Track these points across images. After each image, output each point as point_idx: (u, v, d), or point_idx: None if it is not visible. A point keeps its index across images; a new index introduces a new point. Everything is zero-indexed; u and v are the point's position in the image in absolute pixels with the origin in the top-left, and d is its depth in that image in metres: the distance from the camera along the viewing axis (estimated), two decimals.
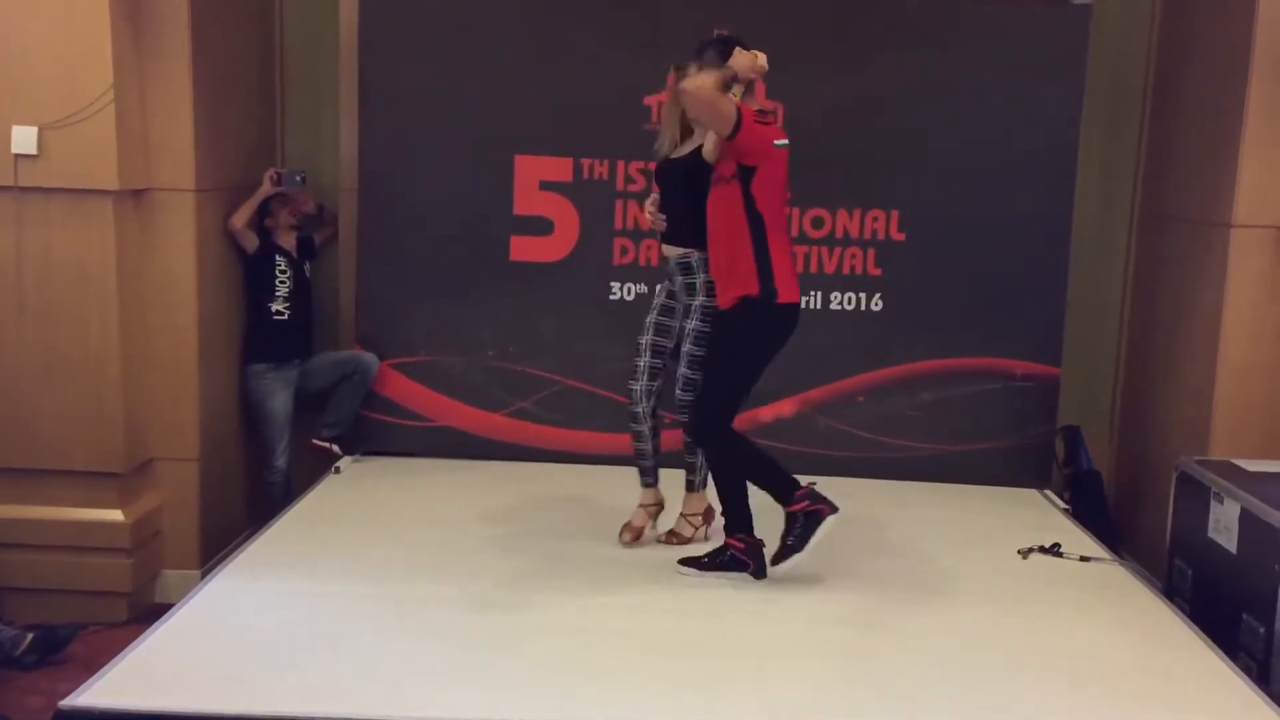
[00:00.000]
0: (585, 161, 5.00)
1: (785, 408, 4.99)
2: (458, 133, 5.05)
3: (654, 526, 4.25)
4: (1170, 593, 4.25)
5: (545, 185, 5.05)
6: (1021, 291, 5.02)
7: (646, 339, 4.13)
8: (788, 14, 4.93)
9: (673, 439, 4.22)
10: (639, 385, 4.11)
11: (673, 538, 4.20)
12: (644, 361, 4.12)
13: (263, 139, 5.31)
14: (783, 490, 3.82)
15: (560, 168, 5.04)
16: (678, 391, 4.01)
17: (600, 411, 5.05)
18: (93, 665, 3.40)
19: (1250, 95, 4.46)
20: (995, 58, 4.93)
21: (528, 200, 5.07)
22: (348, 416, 5.09)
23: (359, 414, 5.12)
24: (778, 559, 3.80)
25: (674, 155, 4.03)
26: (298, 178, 5.03)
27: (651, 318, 4.14)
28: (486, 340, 5.14)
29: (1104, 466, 5.45)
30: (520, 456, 5.13)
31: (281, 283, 5.01)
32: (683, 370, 3.99)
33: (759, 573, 3.86)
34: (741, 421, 5.00)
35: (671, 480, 4.25)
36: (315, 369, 5.10)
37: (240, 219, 4.88)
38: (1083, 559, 4.19)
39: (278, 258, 5.02)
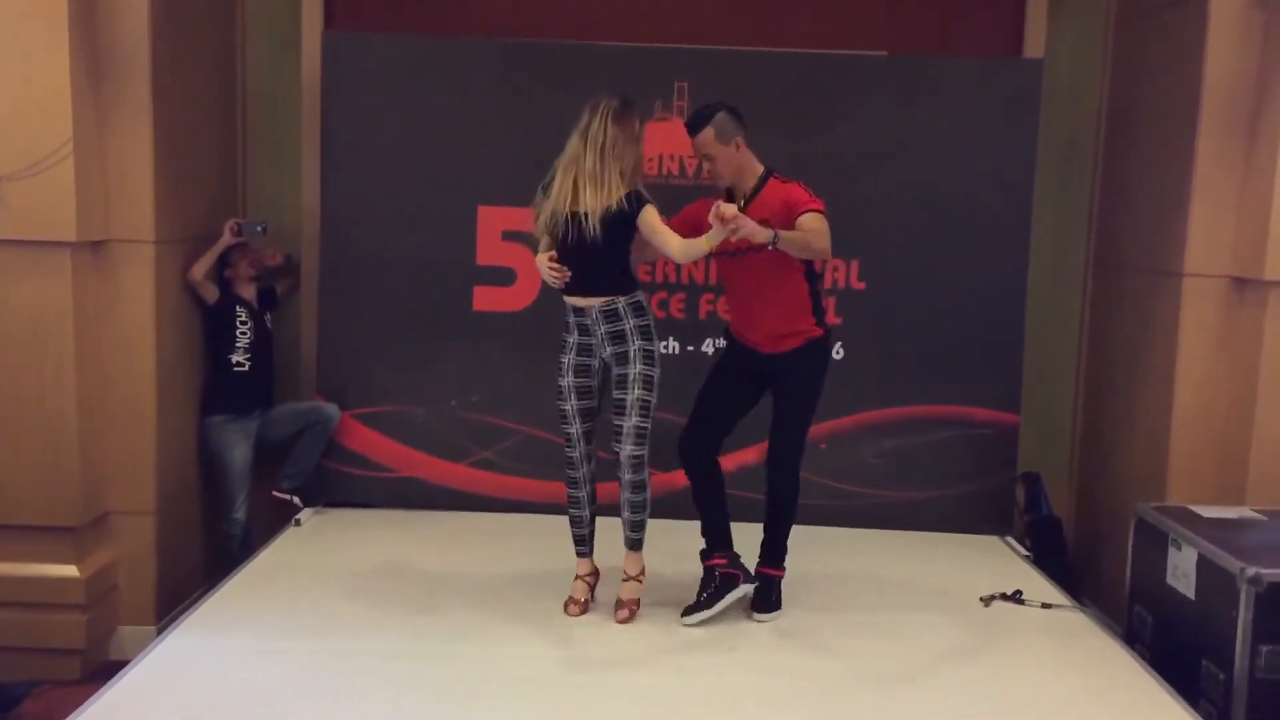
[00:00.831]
0: None
1: (748, 456, 5.00)
2: (420, 183, 5.07)
3: (593, 597, 4.10)
4: (1130, 639, 4.28)
5: (508, 235, 5.07)
6: (980, 339, 5.08)
7: (571, 405, 3.98)
8: (749, 68, 5.00)
9: (607, 494, 4.11)
10: (577, 452, 4.01)
11: (630, 608, 3.99)
12: (576, 429, 4.01)
13: (224, 189, 5.30)
14: (721, 539, 4.06)
15: (523, 218, 5.01)
16: (630, 447, 3.88)
17: (562, 460, 5.02)
18: None
19: (1199, 146, 4.57)
20: (950, 109, 5.02)
21: (490, 250, 5.08)
22: (309, 467, 5.05)
23: (320, 465, 5.08)
24: (690, 611, 3.96)
25: (580, 208, 3.82)
26: (259, 228, 5.01)
27: (569, 380, 3.98)
28: (449, 390, 5.12)
29: (1064, 512, 5.49)
30: (484, 507, 5.10)
31: (242, 334, 4.98)
32: (634, 423, 3.88)
33: (749, 578, 4.05)
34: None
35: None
36: (276, 420, 5.06)
37: (199, 270, 4.86)
38: (1044, 605, 4.22)
39: (238, 309, 4.99)
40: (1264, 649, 3.60)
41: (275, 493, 4.99)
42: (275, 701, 3.26)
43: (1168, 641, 4.09)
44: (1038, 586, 4.41)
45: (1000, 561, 4.78)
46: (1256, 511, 4.28)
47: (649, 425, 3.92)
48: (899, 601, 4.24)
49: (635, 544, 4.05)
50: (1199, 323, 4.64)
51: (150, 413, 4.60)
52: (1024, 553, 4.93)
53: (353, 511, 5.08)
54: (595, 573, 4.15)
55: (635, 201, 3.82)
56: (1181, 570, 4.00)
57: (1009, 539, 5.07)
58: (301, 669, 3.48)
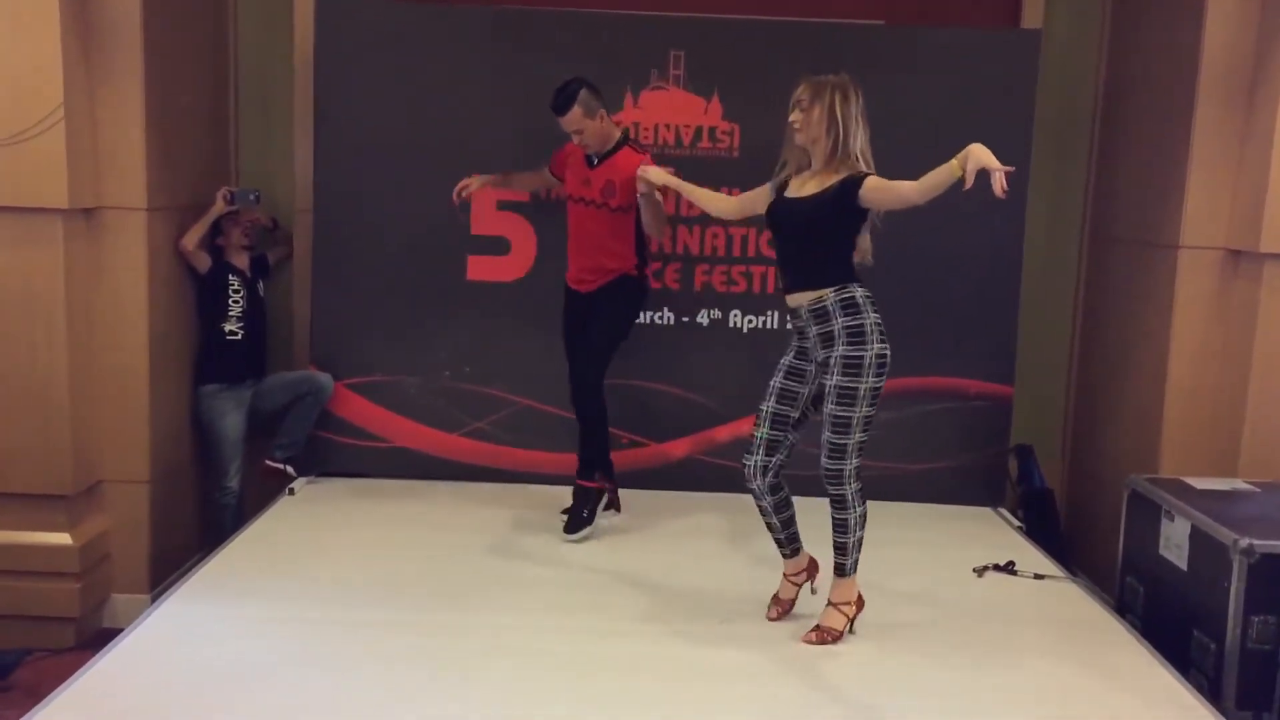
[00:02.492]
0: None
1: (743, 428, 5.00)
2: (414, 152, 5.03)
3: (813, 590, 3.84)
4: (1122, 609, 4.30)
5: (503, 205, 5.05)
6: (975, 312, 5.07)
7: (768, 407, 3.67)
8: (744, 38, 4.97)
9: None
10: (753, 461, 3.67)
11: (824, 635, 3.61)
12: (762, 434, 3.66)
13: (216, 158, 5.26)
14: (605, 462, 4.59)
15: None
16: (824, 460, 3.58)
17: (557, 431, 5.04)
18: (38, 693, 3.33)
19: (1197, 118, 4.55)
20: (946, 80, 4.99)
21: (485, 220, 5.06)
22: (301, 438, 5.04)
23: (313, 435, 5.07)
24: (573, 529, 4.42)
25: (792, 194, 3.68)
26: (251, 196, 4.98)
27: (777, 381, 3.67)
28: (443, 360, 5.11)
29: (1056, 485, 5.51)
30: (477, 477, 5.10)
31: (235, 302, 4.96)
32: (827, 436, 3.56)
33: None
34: (699, 442, 5.10)
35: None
36: (269, 389, 5.05)
37: (191, 240, 4.83)
38: (1036, 576, 4.23)
39: (230, 277, 4.97)
40: (1255, 620, 3.62)
41: (268, 462, 4.98)
42: (268, 670, 3.26)
43: (1159, 612, 4.11)
44: (1030, 557, 4.43)
45: (993, 533, 4.79)
46: (1249, 483, 4.30)
47: (845, 444, 3.55)
48: (892, 572, 4.24)
49: (839, 569, 3.67)
50: (1194, 295, 4.63)
51: (143, 381, 4.59)
52: (1017, 524, 4.95)
53: (346, 481, 5.08)
54: (804, 570, 3.82)
55: None
56: (1174, 541, 4.01)
57: (1002, 510, 5.09)
58: (294, 638, 3.48)
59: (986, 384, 5.10)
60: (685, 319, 5.08)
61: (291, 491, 4.90)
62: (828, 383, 3.53)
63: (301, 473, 5.04)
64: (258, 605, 3.71)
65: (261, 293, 5.13)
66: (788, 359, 3.68)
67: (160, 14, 4.55)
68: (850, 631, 3.64)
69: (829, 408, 3.53)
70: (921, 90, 4.97)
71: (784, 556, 3.81)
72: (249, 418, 5.01)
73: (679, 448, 5.11)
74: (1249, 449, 4.48)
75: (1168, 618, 4.02)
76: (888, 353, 3.56)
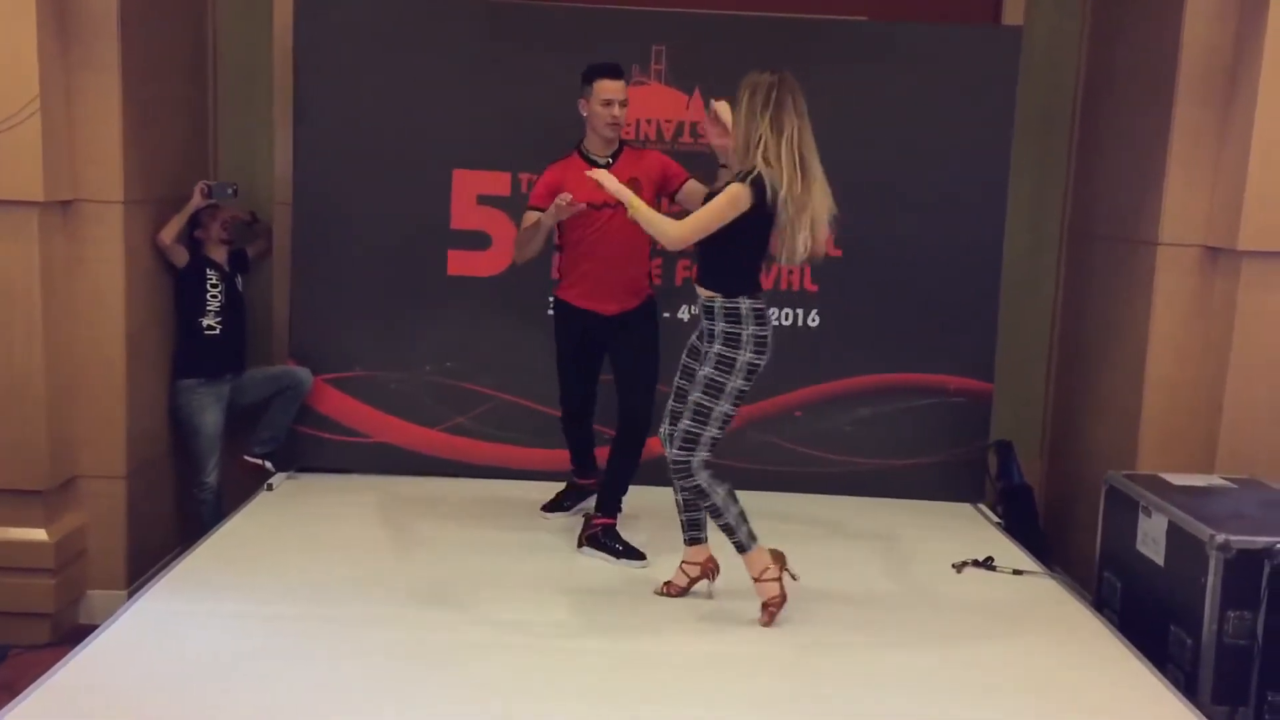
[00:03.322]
0: (523, 176, 4.98)
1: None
2: (394, 147, 5.01)
3: (704, 590, 3.93)
4: (1100, 605, 4.32)
5: (483, 200, 5.03)
6: (955, 308, 5.09)
7: (675, 381, 3.86)
8: (728, 32, 4.96)
9: None
10: (663, 430, 3.84)
11: (769, 610, 3.70)
12: (669, 405, 3.85)
13: (195, 151, 5.23)
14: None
15: (498, 182, 5.02)
16: (675, 452, 3.70)
17: (537, 426, 5.03)
18: (14, 689, 3.31)
19: (1176, 116, 4.57)
20: (928, 76, 5.00)
21: (465, 214, 5.05)
22: (281, 433, 5.01)
23: (292, 430, 5.05)
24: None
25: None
26: (229, 190, 4.95)
27: (683, 358, 3.86)
28: (423, 355, 5.09)
29: (1035, 481, 5.53)
30: (457, 472, 5.09)
31: (213, 297, 4.93)
32: (684, 425, 3.68)
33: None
34: None
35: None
36: (248, 384, 5.02)
37: (169, 234, 4.79)
38: (1015, 572, 4.25)
39: (208, 271, 4.94)
40: (1231, 615, 3.64)
41: (247, 457, 4.96)
42: (246, 666, 3.25)
43: (1137, 607, 4.13)
44: (1009, 553, 4.44)
45: (972, 528, 4.81)
46: (1227, 479, 4.32)
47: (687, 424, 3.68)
48: (872, 567, 4.27)
49: (737, 549, 3.74)
50: (1173, 292, 4.66)
51: (120, 376, 4.55)
52: (996, 520, 4.97)
53: (325, 477, 5.06)
54: (699, 565, 3.90)
55: None
56: (1151, 537, 4.03)
57: (981, 506, 5.11)
58: (272, 634, 3.46)
59: (966, 380, 5.12)
60: (666, 314, 5.08)
61: (270, 487, 4.87)
62: (699, 371, 3.69)
63: (280, 468, 5.01)
64: (235, 601, 3.69)
65: (240, 287, 5.10)
66: (693, 338, 3.85)
67: (138, 5, 4.51)
68: (793, 579, 3.72)
69: (694, 395, 3.67)
70: (903, 86, 4.99)
71: (684, 541, 3.91)
72: (227, 413, 4.98)
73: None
74: (1226, 445, 4.50)
75: (1145, 613, 4.04)
76: (760, 364, 3.67)
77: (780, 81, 3.59)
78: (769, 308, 3.82)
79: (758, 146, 3.56)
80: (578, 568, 4.13)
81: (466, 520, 4.59)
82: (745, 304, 3.65)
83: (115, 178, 4.46)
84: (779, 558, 3.77)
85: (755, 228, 3.61)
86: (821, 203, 3.61)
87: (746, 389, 3.68)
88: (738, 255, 3.67)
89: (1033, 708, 3.22)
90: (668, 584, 3.93)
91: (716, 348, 3.66)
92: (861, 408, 5.12)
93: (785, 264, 3.70)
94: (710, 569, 3.90)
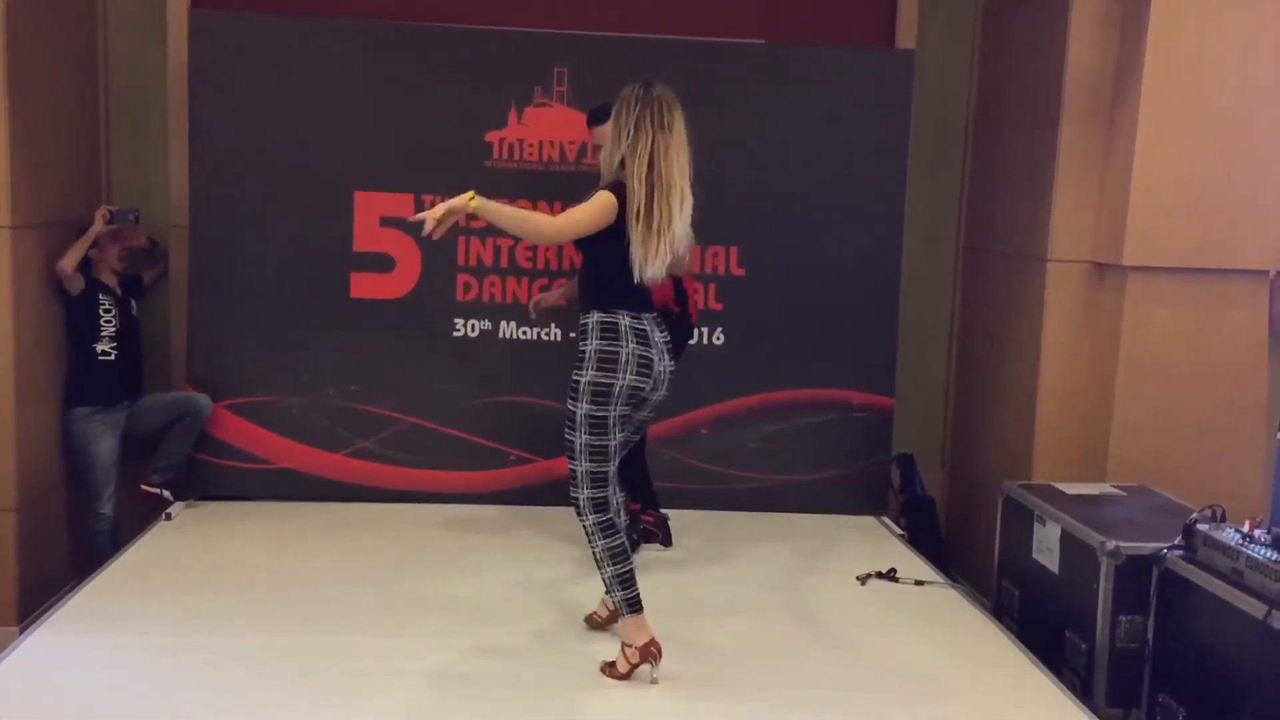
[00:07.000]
0: (426, 198, 4.94)
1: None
2: (294, 169, 4.95)
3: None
4: (999, 612, 4.42)
5: (386, 221, 4.99)
6: (856, 325, 5.17)
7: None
8: (628, 54, 5.00)
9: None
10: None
11: (610, 670, 3.45)
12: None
13: (87, 175, 5.10)
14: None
15: (401, 204, 4.98)
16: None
17: (445, 450, 5.00)
18: None
19: (1061, 137, 4.73)
20: (825, 97, 5.09)
21: (368, 237, 5.00)
22: (179, 460, 4.90)
23: (191, 457, 4.94)
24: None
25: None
26: (130, 216, 4.84)
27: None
28: (326, 379, 5.02)
29: (937, 493, 5.65)
30: (363, 497, 5.02)
31: (107, 322, 4.81)
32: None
33: (667, 541, 4.54)
34: None
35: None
36: (144, 411, 4.90)
37: (70, 262, 4.67)
38: (918, 583, 4.33)
39: (101, 296, 4.82)
40: (1123, 619, 3.76)
41: (144, 487, 4.84)
42: (142, 701, 3.16)
43: (1033, 614, 4.23)
44: (912, 564, 4.52)
45: (876, 541, 4.88)
46: (1117, 488, 4.46)
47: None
48: (777, 581, 4.30)
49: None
50: (1063, 306, 4.80)
51: (8, 405, 4.42)
52: (899, 532, 5.05)
53: (226, 505, 4.95)
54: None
55: None
56: (1046, 545, 4.14)
57: (885, 519, 5.19)
58: (171, 666, 3.38)
59: (869, 395, 5.20)
60: (572, 334, 5.09)
61: (169, 516, 4.76)
62: (567, 404, 3.40)
63: (179, 497, 4.90)
64: (132, 634, 3.60)
65: (134, 312, 4.98)
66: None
67: (25, 24, 4.40)
68: (652, 681, 3.35)
69: (565, 430, 3.41)
70: (800, 107, 5.07)
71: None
72: (124, 441, 4.85)
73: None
74: (1116, 454, 4.65)
75: (1042, 619, 4.15)
76: (643, 388, 3.40)
77: (644, 96, 3.43)
78: (659, 328, 3.50)
79: (619, 160, 3.41)
80: (484, 594, 4.09)
81: (370, 546, 4.53)
82: (625, 320, 3.38)
83: (2, 202, 4.34)
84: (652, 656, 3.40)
85: (625, 240, 3.38)
86: (679, 220, 3.39)
87: (606, 415, 3.35)
88: (614, 268, 3.38)
89: (932, 715, 3.28)
90: (591, 614, 3.81)
91: (589, 375, 3.35)
92: (767, 424, 5.18)
93: (638, 280, 3.37)
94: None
